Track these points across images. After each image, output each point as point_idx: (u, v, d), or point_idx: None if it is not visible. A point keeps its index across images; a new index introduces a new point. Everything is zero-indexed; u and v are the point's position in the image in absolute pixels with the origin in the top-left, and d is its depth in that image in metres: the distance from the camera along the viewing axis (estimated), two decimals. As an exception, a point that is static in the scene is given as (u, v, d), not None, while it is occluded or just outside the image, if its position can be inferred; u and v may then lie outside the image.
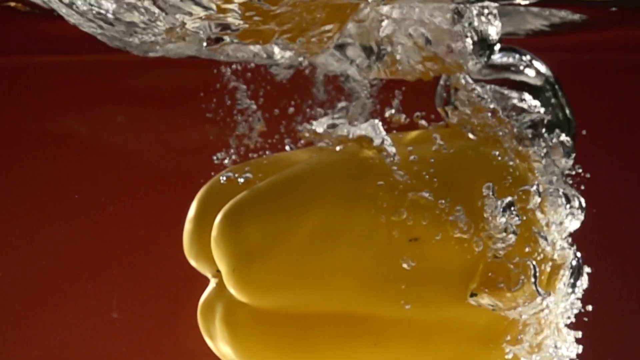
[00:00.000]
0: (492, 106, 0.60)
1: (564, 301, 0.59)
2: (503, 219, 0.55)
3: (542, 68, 0.62)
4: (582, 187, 0.62)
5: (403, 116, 0.65)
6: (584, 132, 0.64)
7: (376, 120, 0.58)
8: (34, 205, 0.84)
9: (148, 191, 0.84)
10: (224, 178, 0.59)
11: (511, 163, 0.58)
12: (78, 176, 0.84)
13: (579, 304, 0.60)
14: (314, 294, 0.55)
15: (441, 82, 0.63)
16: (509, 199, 0.55)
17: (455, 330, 0.56)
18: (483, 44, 0.61)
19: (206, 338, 0.60)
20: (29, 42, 0.79)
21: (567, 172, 0.61)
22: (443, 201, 0.55)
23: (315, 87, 0.75)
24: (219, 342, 0.58)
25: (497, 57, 0.62)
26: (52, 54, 0.81)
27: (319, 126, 0.61)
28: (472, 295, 0.55)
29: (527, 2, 0.65)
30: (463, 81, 0.61)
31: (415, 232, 0.55)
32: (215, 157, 0.73)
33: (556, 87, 0.62)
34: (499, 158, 0.58)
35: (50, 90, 0.83)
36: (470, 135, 0.61)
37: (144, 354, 0.84)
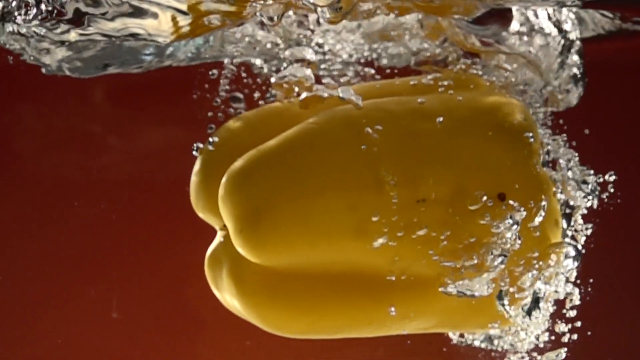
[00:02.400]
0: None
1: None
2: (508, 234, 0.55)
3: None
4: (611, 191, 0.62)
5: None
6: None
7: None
8: (34, 205, 0.84)
9: (148, 191, 0.84)
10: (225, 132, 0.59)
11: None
12: (78, 176, 0.84)
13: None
14: (321, 253, 0.55)
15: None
16: (517, 219, 0.55)
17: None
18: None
19: (213, 289, 0.61)
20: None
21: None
22: (456, 166, 0.55)
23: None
24: (226, 295, 0.59)
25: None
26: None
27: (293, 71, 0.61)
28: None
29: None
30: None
31: (423, 193, 0.54)
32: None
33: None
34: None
35: (51, 91, 0.83)
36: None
37: (144, 354, 0.84)
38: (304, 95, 0.59)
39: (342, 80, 0.71)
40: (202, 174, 0.59)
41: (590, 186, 0.61)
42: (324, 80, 0.63)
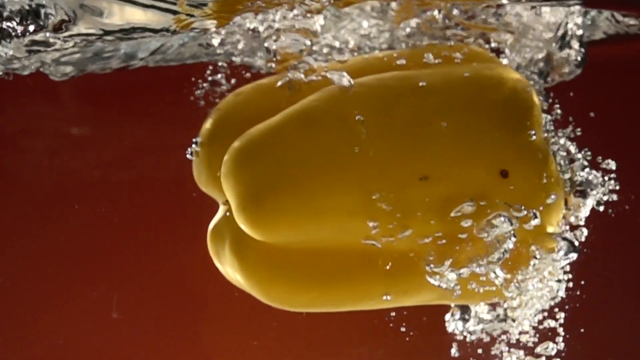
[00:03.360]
0: None
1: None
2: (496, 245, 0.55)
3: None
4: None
5: None
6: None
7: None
8: (34, 206, 0.84)
9: (147, 191, 0.84)
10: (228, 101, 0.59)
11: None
12: (77, 177, 0.84)
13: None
14: (323, 231, 0.56)
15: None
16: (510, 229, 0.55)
17: None
18: None
19: (216, 262, 0.61)
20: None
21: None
22: (458, 142, 0.55)
23: None
24: (228, 269, 0.59)
25: None
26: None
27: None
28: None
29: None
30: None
31: (426, 170, 0.55)
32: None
33: None
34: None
35: (51, 92, 0.83)
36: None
37: (144, 354, 0.84)
38: (288, 76, 0.59)
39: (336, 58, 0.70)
40: (205, 148, 0.59)
41: (595, 180, 0.60)
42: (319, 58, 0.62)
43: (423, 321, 0.80)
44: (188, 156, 0.60)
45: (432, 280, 0.56)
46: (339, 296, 0.59)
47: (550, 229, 0.57)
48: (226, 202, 0.58)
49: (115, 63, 0.72)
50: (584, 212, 0.60)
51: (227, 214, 0.58)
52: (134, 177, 0.84)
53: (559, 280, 0.59)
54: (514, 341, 0.70)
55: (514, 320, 0.62)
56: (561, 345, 0.72)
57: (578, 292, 0.75)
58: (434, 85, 0.57)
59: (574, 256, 0.58)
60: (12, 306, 0.84)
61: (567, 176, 0.60)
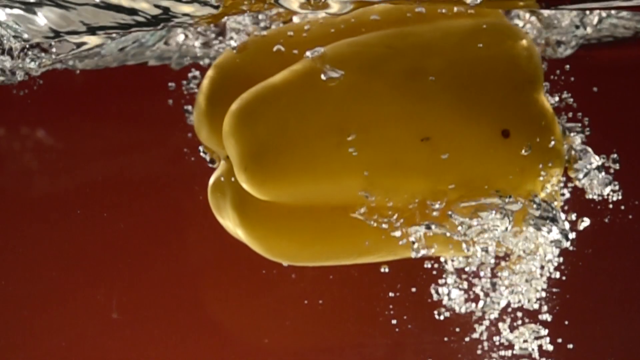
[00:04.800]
0: None
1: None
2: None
3: None
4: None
5: None
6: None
7: None
8: (34, 206, 0.84)
9: (147, 192, 0.84)
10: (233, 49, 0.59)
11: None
12: (77, 177, 0.84)
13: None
14: (324, 190, 0.56)
15: None
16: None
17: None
18: None
19: (216, 216, 0.61)
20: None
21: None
22: (461, 102, 0.55)
23: None
24: (229, 223, 0.59)
25: None
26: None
27: None
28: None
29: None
30: None
31: (427, 131, 0.55)
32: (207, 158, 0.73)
33: None
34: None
35: (51, 95, 0.83)
36: None
37: (144, 355, 0.84)
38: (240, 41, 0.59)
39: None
40: (206, 104, 0.59)
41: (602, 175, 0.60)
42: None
43: (423, 321, 0.79)
44: (202, 154, 0.60)
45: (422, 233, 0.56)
46: (340, 250, 0.59)
47: (546, 190, 0.57)
48: (227, 158, 0.58)
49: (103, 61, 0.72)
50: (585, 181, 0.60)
51: (228, 169, 0.58)
52: (133, 178, 0.84)
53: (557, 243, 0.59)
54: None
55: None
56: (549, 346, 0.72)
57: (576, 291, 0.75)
58: (435, 44, 0.56)
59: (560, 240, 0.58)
60: (12, 306, 0.84)
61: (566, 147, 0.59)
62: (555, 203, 0.58)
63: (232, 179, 0.57)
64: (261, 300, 0.83)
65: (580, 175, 0.59)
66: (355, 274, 0.81)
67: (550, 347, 0.74)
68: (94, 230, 0.84)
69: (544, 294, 0.68)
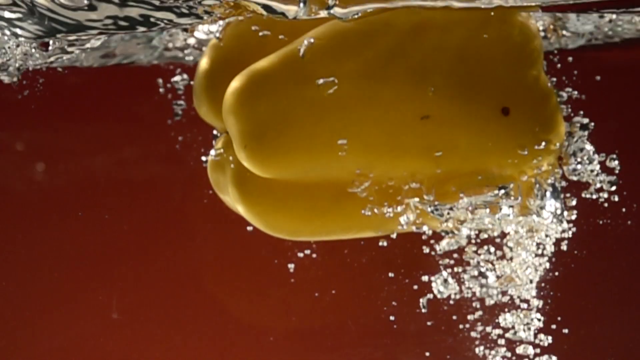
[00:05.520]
0: None
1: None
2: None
3: None
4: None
5: None
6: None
7: None
8: (34, 206, 0.84)
9: (147, 192, 0.84)
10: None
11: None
12: (77, 177, 0.84)
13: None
14: (323, 168, 0.56)
15: None
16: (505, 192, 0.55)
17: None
18: None
19: (216, 191, 0.61)
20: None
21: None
22: (461, 80, 0.55)
23: None
24: (228, 199, 0.60)
25: None
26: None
27: None
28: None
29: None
30: None
31: (427, 110, 0.55)
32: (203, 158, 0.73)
33: None
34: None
35: (52, 95, 0.83)
36: None
37: (144, 355, 0.84)
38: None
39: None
40: (206, 79, 0.59)
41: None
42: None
43: (424, 321, 0.79)
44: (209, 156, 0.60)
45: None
46: (340, 225, 0.59)
47: (543, 168, 0.57)
48: (227, 132, 0.58)
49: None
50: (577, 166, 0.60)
51: (227, 144, 0.58)
52: (133, 178, 0.84)
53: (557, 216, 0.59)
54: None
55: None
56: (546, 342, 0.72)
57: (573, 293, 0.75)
58: (435, 20, 0.56)
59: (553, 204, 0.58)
60: (13, 306, 0.84)
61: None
62: (554, 178, 0.58)
63: (231, 158, 0.58)
64: (261, 301, 0.83)
65: (573, 160, 0.59)
66: (355, 274, 0.81)
67: (549, 347, 0.74)
68: (93, 230, 0.84)
69: (541, 292, 0.68)
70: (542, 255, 0.62)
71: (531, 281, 0.65)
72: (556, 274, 0.72)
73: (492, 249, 0.65)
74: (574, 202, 0.62)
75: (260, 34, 0.58)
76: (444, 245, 0.64)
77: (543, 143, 0.56)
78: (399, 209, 0.57)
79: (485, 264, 0.65)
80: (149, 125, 0.84)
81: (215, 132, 0.63)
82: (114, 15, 0.56)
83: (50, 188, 0.84)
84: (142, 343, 0.84)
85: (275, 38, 0.58)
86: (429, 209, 0.57)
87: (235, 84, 0.56)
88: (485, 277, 0.66)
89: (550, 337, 0.74)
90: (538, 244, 0.62)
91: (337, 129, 0.55)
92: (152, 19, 0.57)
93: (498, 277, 0.65)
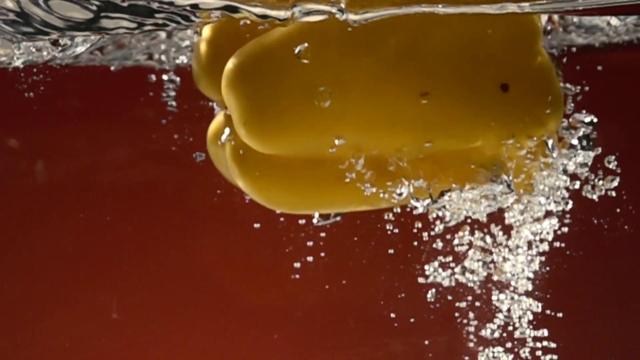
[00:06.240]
0: None
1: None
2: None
3: None
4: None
5: None
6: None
7: None
8: (34, 206, 0.84)
9: (147, 192, 0.84)
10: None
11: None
12: (77, 177, 0.84)
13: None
14: (322, 144, 0.56)
15: None
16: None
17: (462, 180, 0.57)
18: None
19: (215, 164, 0.61)
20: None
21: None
22: (460, 57, 0.55)
23: None
24: (226, 172, 0.60)
25: None
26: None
27: None
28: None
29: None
30: None
31: (427, 86, 0.55)
32: (195, 155, 0.73)
33: None
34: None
35: (52, 96, 0.83)
36: None
37: (144, 355, 0.84)
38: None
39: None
40: (207, 51, 0.59)
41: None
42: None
43: (425, 321, 0.79)
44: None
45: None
46: (339, 199, 0.59)
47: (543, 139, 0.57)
48: (227, 108, 0.59)
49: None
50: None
51: (227, 118, 0.59)
52: (133, 178, 0.84)
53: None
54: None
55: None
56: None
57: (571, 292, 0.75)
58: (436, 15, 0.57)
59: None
60: (13, 307, 0.84)
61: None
62: (557, 152, 0.58)
63: (232, 131, 0.58)
64: (262, 302, 0.83)
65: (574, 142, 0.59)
66: (356, 274, 0.81)
67: (549, 347, 0.74)
68: (94, 230, 0.84)
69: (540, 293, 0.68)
70: (542, 242, 0.62)
71: (529, 278, 0.65)
72: (556, 274, 0.72)
73: (493, 249, 0.65)
74: (575, 203, 0.63)
75: None
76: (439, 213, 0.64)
77: (542, 118, 0.56)
78: (401, 187, 0.57)
79: (484, 253, 0.65)
80: (149, 125, 0.84)
81: (212, 104, 0.63)
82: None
83: (50, 188, 0.84)
84: (143, 343, 0.84)
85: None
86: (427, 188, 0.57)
87: (234, 60, 0.56)
88: (489, 266, 0.66)
89: (550, 336, 0.74)
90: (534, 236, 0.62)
91: (337, 105, 0.55)
92: (145, 27, 0.57)
93: (495, 265, 0.65)
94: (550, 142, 0.57)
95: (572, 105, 0.61)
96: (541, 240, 0.66)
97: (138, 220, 0.84)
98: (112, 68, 0.79)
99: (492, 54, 0.56)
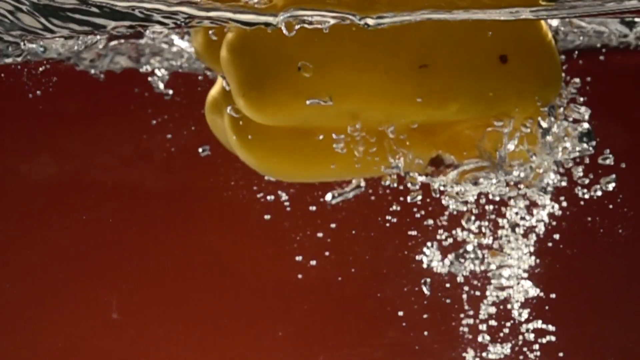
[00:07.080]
0: None
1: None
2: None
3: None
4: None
5: None
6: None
7: None
8: (34, 206, 0.84)
9: (146, 192, 0.84)
10: None
11: None
12: (77, 177, 0.84)
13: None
14: (320, 115, 0.56)
15: None
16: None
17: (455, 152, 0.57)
18: None
19: (213, 132, 0.61)
20: None
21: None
22: (459, 30, 0.55)
23: None
24: (224, 140, 0.60)
25: None
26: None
27: None
28: None
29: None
30: None
31: (425, 58, 0.55)
32: (201, 150, 0.73)
33: None
34: None
35: (53, 96, 0.83)
36: None
37: (144, 355, 0.84)
38: None
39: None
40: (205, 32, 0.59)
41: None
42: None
43: (424, 322, 0.80)
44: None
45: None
46: (338, 168, 0.59)
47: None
48: (224, 77, 0.59)
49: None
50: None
51: (224, 88, 0.59)
52: (133, 178, 0.84)
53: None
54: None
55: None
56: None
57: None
58: None
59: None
60: (13, 306, 0.84)
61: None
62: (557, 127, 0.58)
63: (231, 100, 0.57)
64: (262, 304, 0.83)
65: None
66: (356, 273, 0.81)
67: (548, 347, 0.74)
68: (94, 230, 0.84)
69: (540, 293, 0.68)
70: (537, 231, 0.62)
71: (527, 277, 0.65)
72: (555, 273, 0.72)
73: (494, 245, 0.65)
74: (574, 205, 0.63)
75: None
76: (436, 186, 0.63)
77: (540, 90, 0.56)
78: (399, 158, 0.57)
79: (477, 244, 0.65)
80: (149, 125, 0.84)
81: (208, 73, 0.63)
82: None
83: (50, 188, 0.84)
84: (143, 343, 0.84)
85: None
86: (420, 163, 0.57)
87: (233, 33, 0.56)
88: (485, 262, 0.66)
89: (549, 336, 0.74)
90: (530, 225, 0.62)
91: (336, 77, 0.55)
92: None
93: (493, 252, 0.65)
94: (544, 123, 0.57)
95: (572, 105, 0.61)
96: (539, 240, 0.66)
97: (138, 220, 0.84)
98: (113, 68, 0.79)
99: (490, 25, 0.55)
